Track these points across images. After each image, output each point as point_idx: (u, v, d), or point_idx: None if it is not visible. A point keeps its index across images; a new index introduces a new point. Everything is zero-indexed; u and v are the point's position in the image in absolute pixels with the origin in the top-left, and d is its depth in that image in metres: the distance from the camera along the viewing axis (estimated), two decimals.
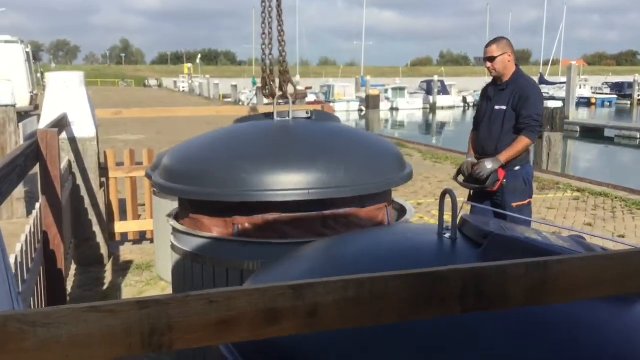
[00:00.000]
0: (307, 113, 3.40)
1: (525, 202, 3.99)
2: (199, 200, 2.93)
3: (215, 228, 2.91)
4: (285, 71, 3.36)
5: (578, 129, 25.43)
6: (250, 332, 0.91)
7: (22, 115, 15.42)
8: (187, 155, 3.10)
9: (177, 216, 3.26)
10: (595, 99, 51.35)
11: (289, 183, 2.70)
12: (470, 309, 1.03)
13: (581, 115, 35.70)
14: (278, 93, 3.35)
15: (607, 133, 24.84)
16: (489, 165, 3.89)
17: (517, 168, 3.95)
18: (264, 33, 3.49)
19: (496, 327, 1.37)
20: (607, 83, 63.59)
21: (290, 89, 3.41)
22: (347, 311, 0.97)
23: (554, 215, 7.08)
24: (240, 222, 2.83)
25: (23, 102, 18.04)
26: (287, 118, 3.30)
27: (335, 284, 0.96)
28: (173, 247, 3.11)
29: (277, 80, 3.39)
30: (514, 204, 3.90)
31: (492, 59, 3.96)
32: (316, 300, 0.95)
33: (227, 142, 3.11)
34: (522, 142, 3.91)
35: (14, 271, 2.27)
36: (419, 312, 1.02)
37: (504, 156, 3.89)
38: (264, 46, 3.46)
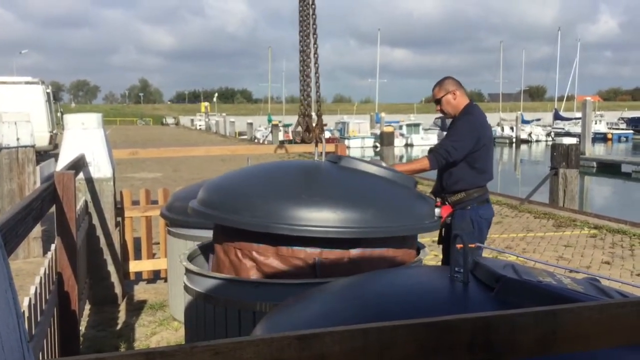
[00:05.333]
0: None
1: (472, 246, 3.85)
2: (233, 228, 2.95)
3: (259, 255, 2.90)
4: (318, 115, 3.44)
5: (594, 164, 25.27)
6: None
7: (42, 155, 15.72)
8: (222, 185, 3.17)
9: (189, 257, 3.28)
10: (612, 134, 51.16)
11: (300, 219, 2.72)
12: (480, 359, 1.02)
13: (597, 151, 35.50)
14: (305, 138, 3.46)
15: (624, 168, 24.64)
16: (382, 164, 3.80)
17: (467, 208, 3.80)
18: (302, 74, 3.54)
19: None
20: (623, 118, 63.47)
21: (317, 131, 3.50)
22: None
23: (571, 253, 6.98)
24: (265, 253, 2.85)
25: (43, 141, 18.41)
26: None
27: (342, 334, 0.96)
28: (186, 287, 3.11)
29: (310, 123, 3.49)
30: (458, 246, 3.76)
31: (438, 102, 3.94)
32: (323, 350, 0.94)
33: (261, 177, 3.18)
34: (420, 161, 3.91)
35: (27, 313, 2.29)
36: None
37: (398, 167, 3.87)
38: (302, 88, 3.50)
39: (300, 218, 2.72)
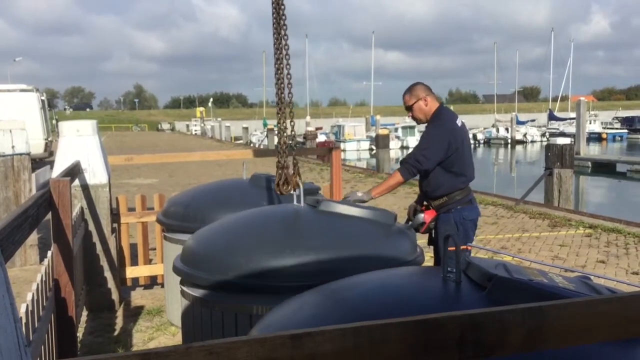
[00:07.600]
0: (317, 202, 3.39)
1: (462, 247, 3.81)
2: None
3: None
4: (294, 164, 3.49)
5: (589, 164, 25.36)
6: None
7: (37, 162, 15.69)
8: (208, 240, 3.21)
9: None
10: (606, 133, 51.34)
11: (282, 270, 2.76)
12: (469, 356, 1.04)
13: (592, 151, 35.62)
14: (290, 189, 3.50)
15: (619, 168, 24.75)
16: (358, 193, 3.84)
17: (451, 211, 3.80)
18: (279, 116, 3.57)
19: None
20: (617, 118, 63.77)
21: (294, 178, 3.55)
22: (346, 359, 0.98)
23: (567, 252, 7.02)
24: None
25: (38, 149, 18.38)
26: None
27: (333, 333, 0.98)
28: (182, 292, 3.13)
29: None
30: (450, 248, 3.71)
31: (409, 109, 3.93)
32: (315, 349, 0.96)
33: (242, 229, 3.19)
34: (393, 177, 3.90)
35: (24, 320, 2.30)
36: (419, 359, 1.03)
37: (375, 190, 3.86)
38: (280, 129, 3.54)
39: (284, 272, 2.75)
